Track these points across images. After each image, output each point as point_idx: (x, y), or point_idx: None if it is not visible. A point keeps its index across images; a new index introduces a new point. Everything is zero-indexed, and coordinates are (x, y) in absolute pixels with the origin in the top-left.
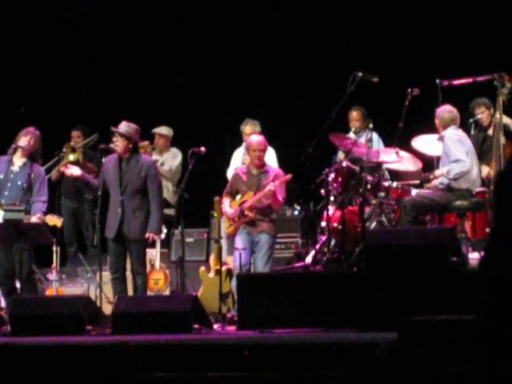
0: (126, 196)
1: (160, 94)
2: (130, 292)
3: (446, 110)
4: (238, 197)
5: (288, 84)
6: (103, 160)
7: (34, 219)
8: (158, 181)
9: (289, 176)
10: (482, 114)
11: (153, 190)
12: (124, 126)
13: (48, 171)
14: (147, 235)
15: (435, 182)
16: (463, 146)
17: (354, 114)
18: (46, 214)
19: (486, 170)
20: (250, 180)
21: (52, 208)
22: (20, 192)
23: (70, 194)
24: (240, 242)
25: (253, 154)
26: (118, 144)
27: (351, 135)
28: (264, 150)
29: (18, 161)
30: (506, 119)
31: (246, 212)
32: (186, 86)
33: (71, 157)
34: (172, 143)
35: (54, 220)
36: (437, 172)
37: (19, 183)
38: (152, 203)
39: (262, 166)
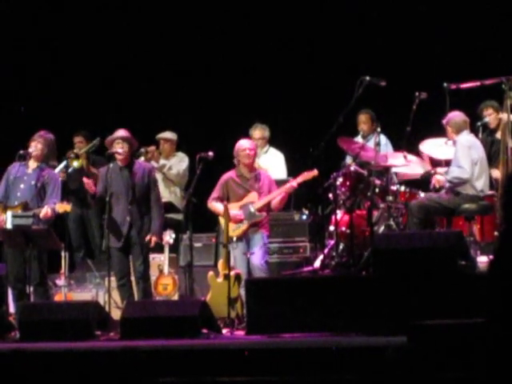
0: (134, 203)
1: (167, 99)
2: (136, 297)
3: (456, 115)
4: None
5: (295, 88)
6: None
7: (44, 211)
8: (157, 185)
9: (315, 171)
10: (489, 117)
11: (155, 195)
12: (124, 132)
13: None
14: (149, 237)
15: (438, 177)
16: (471, 155)
17: (363, 118)
18: None
19: (496, 172)
20: (247, 182)
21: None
22: (33, 192)
23: (76, 200)
24: (248, 244)
25: (243, 154)
26: (125, 150)
27: (359, 139)
28: (255, 149)
29: (33, 164)
30: None
31: (259, 213)
32: (193, 90)
33: (75, 163)
34: (177, 148)
35: (63, 206)
36: (438, 169)
37: (33, 183)
38: (154, 208)
39: (253, 167)
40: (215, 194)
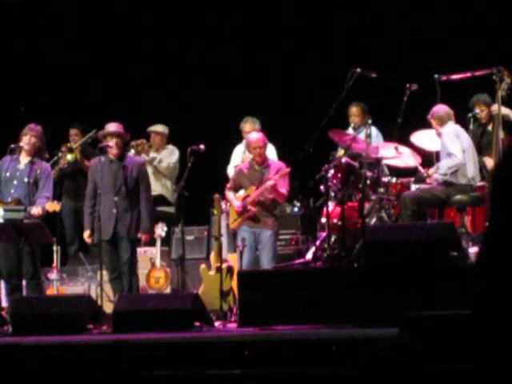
0: (121, 196)
1: (159, 92)
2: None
3: (440, 108)
4: (241, 192)
5: (287, 80)
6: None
7: (34, 209)
8: (148, 180)
9: (288, 170)
10: (481, 113)
11: (144, 189)
12: (116, 127)
13: None
14: (140, 235)
15: (433, 177)
16: (459, 142)
17: (354, 110)
18: None
19: (490, 161)
20: (253, 175)
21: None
22: (26, 188)
23: (71, 193)
24: (242, 238)
25: (253, 152)
26: (117, 144)
27: (350, 131)
28: (264, 146)
29: (24, 159)
30: (505, 110)
31: (249, 207)
32: (185, 82)
33: (69, 157)
34: (168, 140)
35: (53, 206)
36: (430, 171)
37: (25, 180)
38: (143, 203)
39: (263, 161)
40: (229, 184)
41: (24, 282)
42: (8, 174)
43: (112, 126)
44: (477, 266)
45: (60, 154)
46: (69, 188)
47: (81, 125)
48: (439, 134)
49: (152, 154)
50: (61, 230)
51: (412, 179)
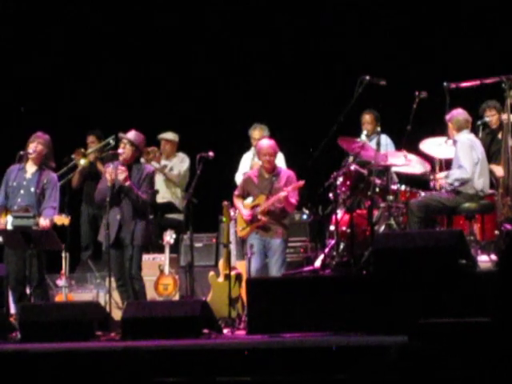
0: (126, 203)
1: (168, 99)
2: None
3: (460, 113)
4: (249, 199)
5: (296, 88)
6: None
7: (42, 221)
8: (147, 191)
9: (301, 183)
10: (492, 117)
11: (141, 198)
12: (133, 134)
13: (60, 178)
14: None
15: (440, 182)
16: (472, 154)
17: (367, 117)
18: None
19: (497, 169)
20: (262, 183)
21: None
22: (33, 198)
23: (92, 200)
24: (250, 245)
25: (263, 159)
26: (125, 150)
27: (363, 138)
28: (273, 154)
29: (31, 168)
30: None
31: (260, 216)
32: (194, 90)
33: (82, 161)
34: (178, 148)
35: (61, 219)
36: (438, 175)
37: (32, 189)
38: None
39: (272, 169)
40: (237, 191)
41: (30, 290)
42: (15, 184)
43: (129, 133)
44: (498, 273)
45: (73, 160)
46: (89, 194)
47: (97, 131)
48: (454, 141)
49: (163, 162)
50: (71, 236)
51: (420, 191)
